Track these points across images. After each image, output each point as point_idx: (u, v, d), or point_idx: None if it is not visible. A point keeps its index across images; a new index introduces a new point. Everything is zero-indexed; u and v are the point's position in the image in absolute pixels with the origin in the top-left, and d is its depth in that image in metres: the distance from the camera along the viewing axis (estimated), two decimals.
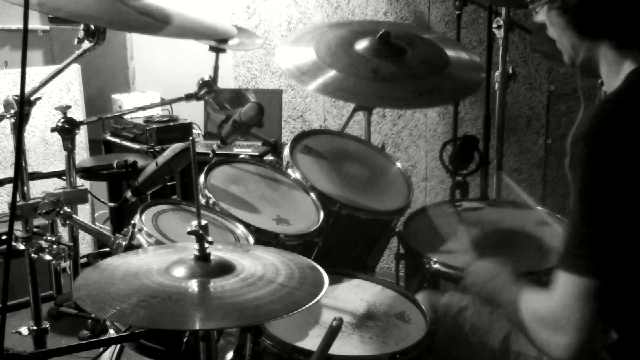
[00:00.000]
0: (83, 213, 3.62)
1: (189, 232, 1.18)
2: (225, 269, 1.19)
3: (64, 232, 2.28)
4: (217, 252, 1.24)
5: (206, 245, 1.18)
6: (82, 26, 1.83)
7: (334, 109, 3.64)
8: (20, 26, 1.04)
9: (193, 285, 1.14)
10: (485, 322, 1.57)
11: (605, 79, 1.32)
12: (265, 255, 1.32)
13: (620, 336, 1.26)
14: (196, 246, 1.18)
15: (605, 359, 1.26)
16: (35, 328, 2.09)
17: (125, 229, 1.72)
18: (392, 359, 1.46)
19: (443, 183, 3.35)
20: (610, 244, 1.15)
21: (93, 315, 2.66)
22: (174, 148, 1.95)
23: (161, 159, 1.94)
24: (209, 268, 1.18)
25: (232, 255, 1.27)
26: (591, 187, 1.16)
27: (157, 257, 1.30)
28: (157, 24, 1.79)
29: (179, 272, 1.18)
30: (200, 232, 1.17)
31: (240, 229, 1.80)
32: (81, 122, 2.09)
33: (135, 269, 1.22)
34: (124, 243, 1.69)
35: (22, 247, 1.94)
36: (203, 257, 1.19)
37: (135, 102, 3.61)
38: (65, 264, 3.06)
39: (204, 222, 1.18)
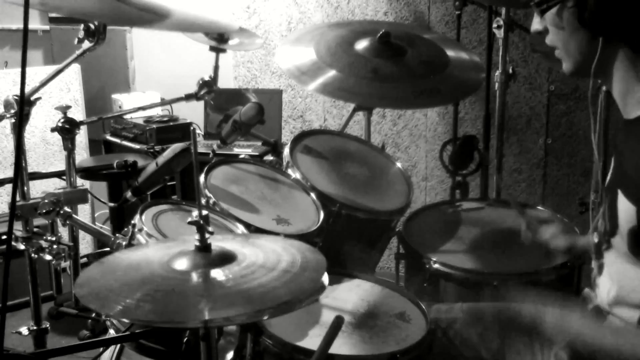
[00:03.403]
0: (83, 213, 3.62)
1: (190, 223, 1.17)
2: (227, 258, 1.19)
3: (64, 232, 2.29)
4: (217, 243, 1.23)
5: (207, 235, 1.18)
6: (82, 26, 1.83)
7: (334, 109, 3.64)
8: (21, 26, 1.04)
9: (196, 276, 1.14)
10: (474, 335, 1.55)
11: (619, 84, 1.28)
12: (266, 243, 1.32)
13: None
14: (197, 237, 1.18)
15: None
16: (35, 328, 2.09)
17: (125, 229, 1.72)
18: (393, 358, 1.46)
19: (443, 183, 3.35)
20: None
21: (93, 315, 2.66)
22: (174, 148, 1.95)
23: (161, 159, 1.94)
24: (210, 258, 1.18)
25: (233, 244, 1.27)
26: None
27: (158, 250, 1.29)
28: (157, 17, 1.78)
29: (181, 264, 1.17)
30: (201, 222, 1.17)
31: (240, 229, 1.80)
32: (81, 122, 2.09)
33: (137, 264, 1.22)
34: (124, 243, 1.69)
35: (22, 247, 1.94)
36: (204, 247, 1.18)
37: (135, 102, 3.61)
38: (65, 264, 3.07)
39: (204, 212, 1.18)
